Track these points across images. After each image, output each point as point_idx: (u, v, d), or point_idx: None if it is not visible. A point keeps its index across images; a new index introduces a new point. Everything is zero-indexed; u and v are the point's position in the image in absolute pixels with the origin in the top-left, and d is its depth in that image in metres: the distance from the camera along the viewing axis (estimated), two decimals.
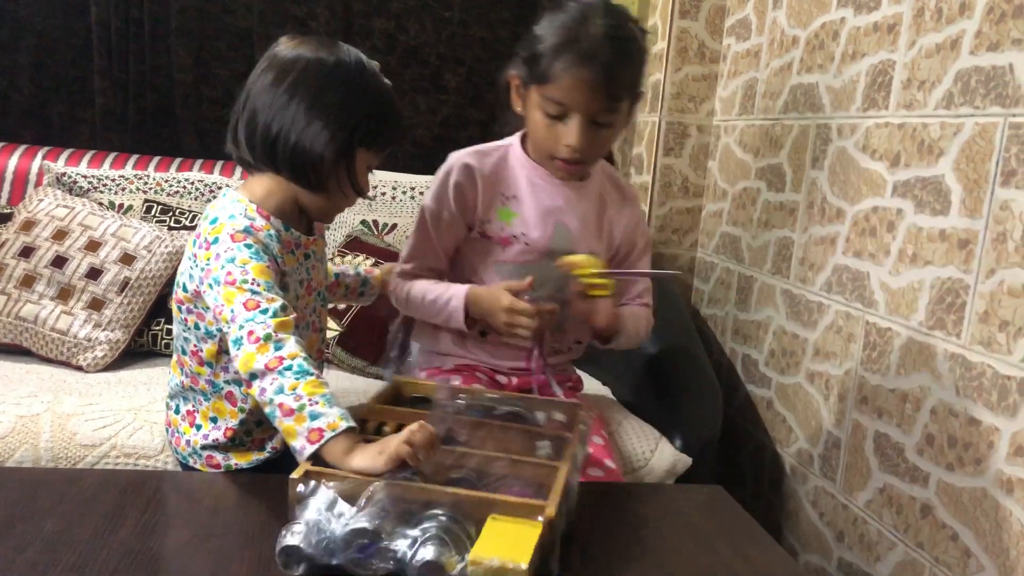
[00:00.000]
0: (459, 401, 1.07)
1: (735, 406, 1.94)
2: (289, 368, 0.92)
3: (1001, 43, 1.18)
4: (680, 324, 1.77)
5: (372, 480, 0.84)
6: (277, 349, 0.93)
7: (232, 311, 0.97)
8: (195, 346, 1.10)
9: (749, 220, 1.92)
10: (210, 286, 1.01)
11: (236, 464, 1.12)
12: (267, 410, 0.94)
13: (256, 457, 1.13)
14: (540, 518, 0.80)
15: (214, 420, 1.12)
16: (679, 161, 2.16)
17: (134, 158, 2.03)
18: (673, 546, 0.97)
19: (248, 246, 1.01)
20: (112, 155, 2.02)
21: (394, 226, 1.98)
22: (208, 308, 1.03)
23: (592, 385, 1.78)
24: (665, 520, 1.05)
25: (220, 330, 1.03)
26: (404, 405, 1.09)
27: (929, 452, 1.28)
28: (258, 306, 0.96)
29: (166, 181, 1.94)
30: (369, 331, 1.73)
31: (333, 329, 1.75)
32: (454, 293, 1.29)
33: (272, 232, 1.06)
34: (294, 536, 0.79)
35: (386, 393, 1.11)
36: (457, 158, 1.32)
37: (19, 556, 0.82)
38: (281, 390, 0.91)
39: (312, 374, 0.93)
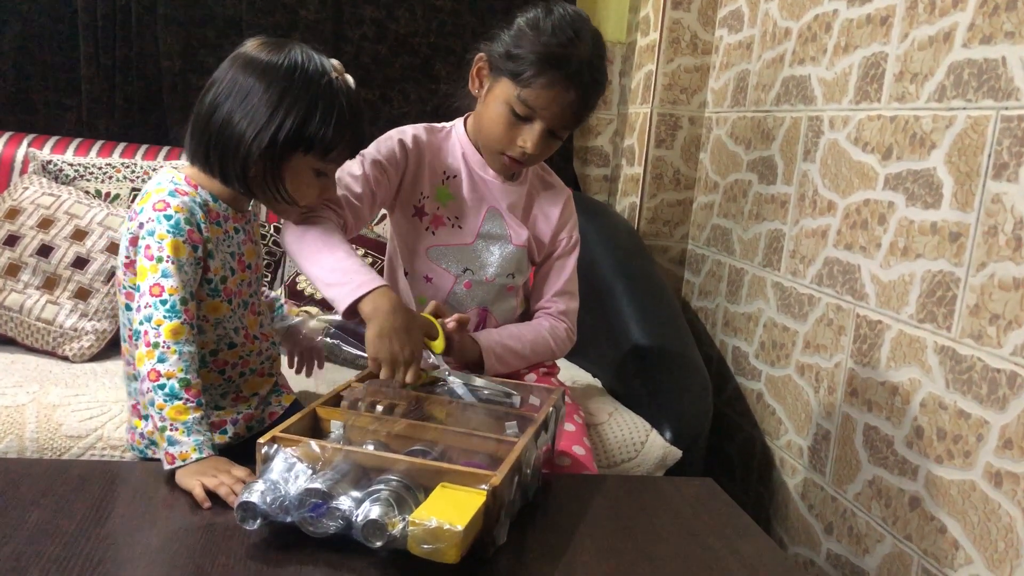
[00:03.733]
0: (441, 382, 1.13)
1: (725, 398, 1.94)
2: (162, 387, 0.98)
3: (994, 36, 1.18)
4: (671, 317, 1.77)
5: (331, 447, 0.89)
6: (160, 361, 0.98)
7: (140, 290, 1.02)
8: (131, 329, 1.06)
9: (740, 212, 1.92)
10: (136, 253, 1.04)
11: None
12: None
13: (216, 442, 1.09)
14: (485, 487, 0.82)
15: None
16: (670, 153, 2.15)
17: (121, 146, 2.00)
18: (663, 538, 0.97)
19: (168, 217, 1.02)
20: (99, 143, 2.00)
21: (383, 216, 1.96)
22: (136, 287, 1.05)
23: (582, 376, 1.78)
24: (655, 512, 1.04)
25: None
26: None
27: (918, 445, 1.29)
28: (161, 293, 1.00)
29: (153, 169, 1.92)
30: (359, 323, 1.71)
31: (321, 321, 1.74)
32: (372, 275, 1.11)
33: (198, 199, 1.06)
34: (252, 494, 0.83)
35: (370, 373, 1.14)
36: (410, 127, 1.32)
37: (2, 547, 0.81)
38: (152, 403, 0.98)
39: (181, 398, 0.97)
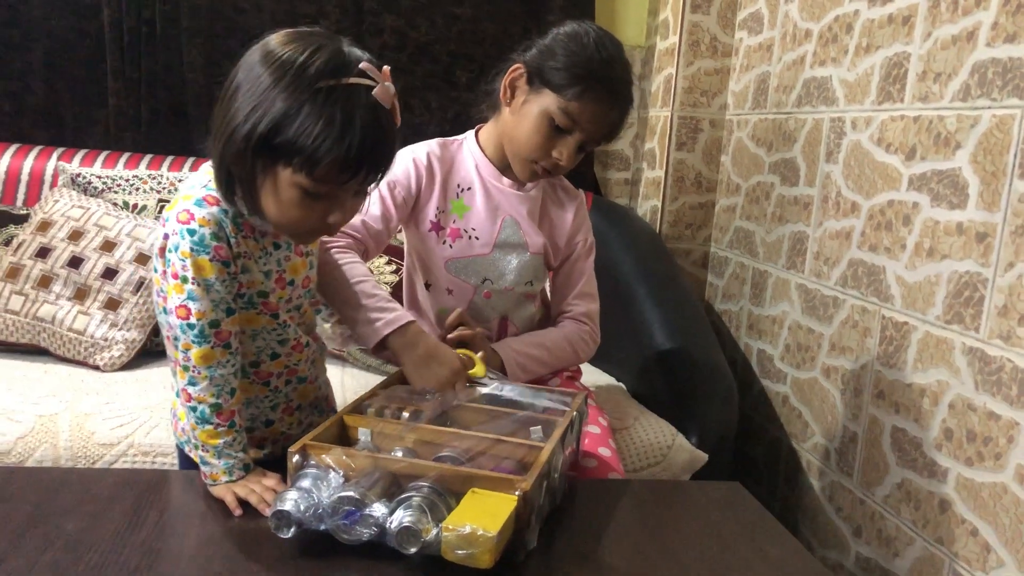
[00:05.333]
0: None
1: (750, 402, 1.93)
2: (194, 410, 0.97)
3: (1018, 34, 1.17)
4: (694, 320, 1.77)
5: (361, 455, 0.90)
6: (191, 384, 0.97)
7: (168, 306, 0.97)
8: (168, 330, 1.02)
9: (763, 214, 1.91)
10: (166, 265, 0.97)
11: None
12: None
13: (252, 456, 1.07)
14: (516, 492, 0.83)
15: None
16: (692, 156, 2.15)
17: (147, 158, 2.03)
18: (691, 542, 0.97)
19: (191, 232, 0.94)
20: (126, 155, 2.03)
21: None
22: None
23: (605, 380, 1.78)
24: (683, 516, 1.04)
25: None
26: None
27: (947, 447, 1.28)
28: (188, 316, 0.95)
29: (179, 180, 1.95)
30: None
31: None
32: (401, 312, 1.17)
33: (229, 211, 0.97)
34: (286, 502, 0.84)
35: (394, 380, 1.16)
36: (422, 144, 1.34)
37: (41, 556, 0.82)
38: (188, 420, 0.99)
39: (211, 423, 0.97)
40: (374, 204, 1.29)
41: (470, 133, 1.38)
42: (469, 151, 1.35)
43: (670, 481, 1.42)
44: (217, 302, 0.96)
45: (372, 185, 0.98)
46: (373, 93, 0.92)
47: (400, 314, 1.16)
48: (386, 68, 0.96)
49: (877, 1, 1.52)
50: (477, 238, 1.33)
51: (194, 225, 0.94)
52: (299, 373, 1.12)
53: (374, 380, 1.65)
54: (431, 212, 1.33)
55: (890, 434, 1.42)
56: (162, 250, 0.98)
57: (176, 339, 0.97)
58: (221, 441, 0.97)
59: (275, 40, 0.95)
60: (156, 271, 1.00)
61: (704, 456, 1.50)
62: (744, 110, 2.04)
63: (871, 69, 1.52)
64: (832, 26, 1.67)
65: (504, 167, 1.33)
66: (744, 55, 2.05)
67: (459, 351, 1.18)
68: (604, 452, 1.29)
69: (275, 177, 0.93)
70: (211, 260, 0.94)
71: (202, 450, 0.97)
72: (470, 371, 1.16)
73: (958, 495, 1.25)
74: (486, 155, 1.34)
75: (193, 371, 0.96)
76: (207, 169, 1.00)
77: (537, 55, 1.25)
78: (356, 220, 1.27)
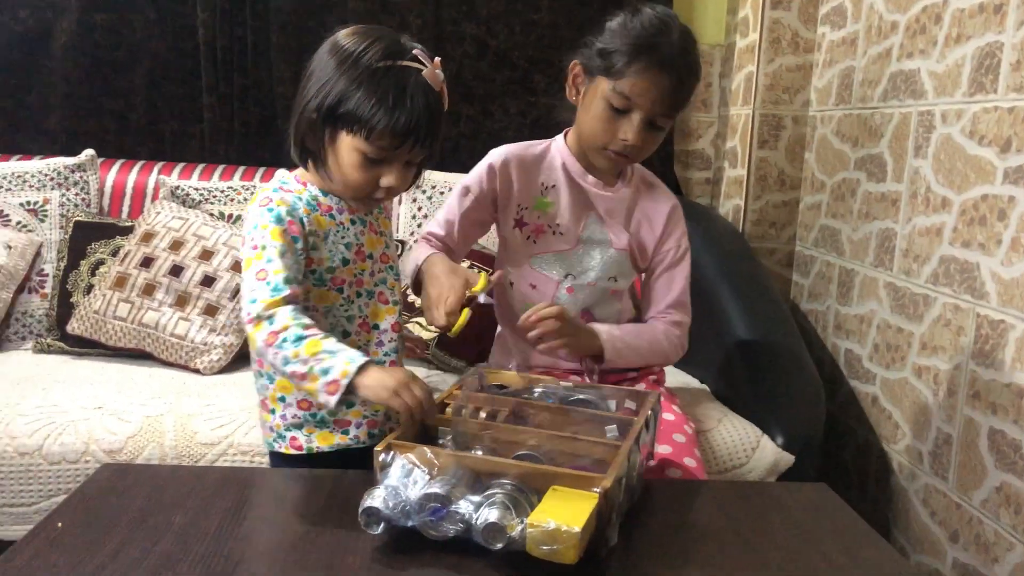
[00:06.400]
0: (535, 388, 1.15)
1: (838, 402, 1.89)
2: (285, 340, 1.01)
3: None
4: (779, 319, 1.74)
5: (444, 453, 0.92)
6: (270, 324, 1.02)
7: (245, 278, 1.06)
8: (248, 307, 1.09)
9: (849, 212, 1.87)
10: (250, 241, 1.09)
11: (318, 447, 1.14)
12: (287, 379, 1.06)
13: (338, 441, 1.14)
14: (597, 489, 0.84)
15: (282, 399, 1.14)
16: (774, 154, 2.12)
17: (240, 169, 2.12)
18: (778, 544, 0.96)
19: (269, 210, 1.08)
20: (220, 167, 2.12)
21: None
22: None
23: (689, 382, 1.77)
24: (768, 517, 1.04)
25: None
26: (486, 391, 1.14)
27: None
28: (265, 277, 1.04)
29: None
30: (468, 333, 1.75)
31: (431, 331, 1.80)
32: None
33: (303, 197, 1.12)
34: (374, 499, 0.87)
35: (470, 380, 1.18)
36: (505, 147, 1.38)
37: (154, 547, 0.88)
38: (287, 361, 1.01)
39: (306, 337, 1.00)
40: (450, 211, 1.36)
41: (559, 136, 1.41)
42: (557, 151, 1.39)
43: (755, 482, 1.41)
44: (288, 267, 1.06)
45: (420, 157, 1.10)
46: (423, 74, 1.08)
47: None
48: (437, 59, 1.10)
49: None
50: (561, 234, 1.37)
51: (272, 205, 1.09)
52: (371, 355, 1.16)
53: (452, 380, 1.68)
54: (514, 210, 1.37)
55: (987, 436, 1.37)
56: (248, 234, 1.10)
57: (253, 301, 1.04)
58: (324, 344, 1.00)
59: (342, 34, 1.11)
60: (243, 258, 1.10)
61: (790, 458, 1.47)
62: (828, 106, 2.00)
63: (962, 60, 1.48)
64: (920, 17, 1.62)
65: (590, 166, 1.36)
66: (827, 50, 2.01)
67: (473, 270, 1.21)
68: (689, 462, 1.29)
69: (340, 143, 1.08)
70: (284, 231, 1.07)
71: (316, 363, 0.99)
72: (472, 287, 1.17)
73: None
74: (573, 155, 1.37)
75: (267, 314, 1.02)
76: (281, 176, 1.18)
77: (589, 48, 1.29)
78: (435, 229, 1.36)
